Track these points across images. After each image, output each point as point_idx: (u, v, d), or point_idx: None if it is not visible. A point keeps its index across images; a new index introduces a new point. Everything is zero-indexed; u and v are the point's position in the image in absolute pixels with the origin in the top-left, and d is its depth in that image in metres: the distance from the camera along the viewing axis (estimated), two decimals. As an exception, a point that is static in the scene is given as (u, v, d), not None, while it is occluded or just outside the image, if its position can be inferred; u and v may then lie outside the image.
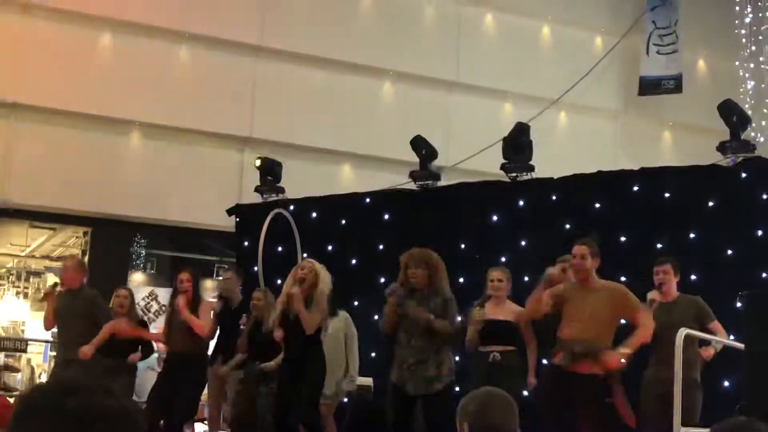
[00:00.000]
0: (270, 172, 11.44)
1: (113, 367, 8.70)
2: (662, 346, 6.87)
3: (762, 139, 13.86)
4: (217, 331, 9.06)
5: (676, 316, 7.06)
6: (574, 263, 6.63)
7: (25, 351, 15.18)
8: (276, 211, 10.08)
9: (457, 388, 7.21)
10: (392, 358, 7.28)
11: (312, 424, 7.49)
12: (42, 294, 9.76)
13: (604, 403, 6.57)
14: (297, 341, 7.53)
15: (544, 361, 7.44)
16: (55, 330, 9.54)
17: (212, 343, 9.17)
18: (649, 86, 15.27)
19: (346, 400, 8.40)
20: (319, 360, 7.60)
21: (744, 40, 15.47)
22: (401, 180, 10.82)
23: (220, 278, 9.41)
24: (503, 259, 9.03)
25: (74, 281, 8.98)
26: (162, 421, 8.41)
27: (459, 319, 7.32)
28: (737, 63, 15.46)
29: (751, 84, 15.25)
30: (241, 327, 8.46)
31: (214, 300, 9.46)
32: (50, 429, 1.45)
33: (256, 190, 11.38)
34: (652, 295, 7.17)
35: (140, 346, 8.83)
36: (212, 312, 8.88)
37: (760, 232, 8.01)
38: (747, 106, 13.50)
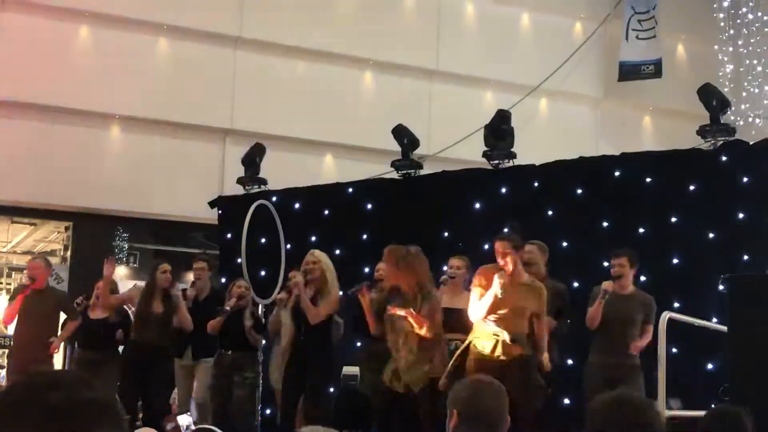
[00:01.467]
0: (252, 162, 11.39)
1: (96, 360, 8.73)
2: (610, 335, 7.22)
3: (742, 123, 13.95)
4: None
5: (628, 308, 7.28)
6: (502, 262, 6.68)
7: (8, 348, 15.11)
8: (258, 202, 10.06)
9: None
10: (370, 356, 7.36)
11: (315, 415, 7.51)
12: (13, 291, 9.73)
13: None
14: (303, 331, 7.63)
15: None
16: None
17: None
18: (629, 72, 15.31)
19: (332, 389, 8.40)
20: (325, 351, 7.67)
21: (722, 24, 15.53)
22: (383, 169, 10.80)
23: (194, 268, 9.37)
24: (486, 247, 9.04)
25: (43, 281, 9.04)
26: (141, 415, 8.42)
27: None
28: (716, 47, 15.52)
29: (730, 68, 15.32)
30: (227, 308, 8.43)
31: (186, 288, 9.42)
32: (33, 425, 1.44)
33: (238, 181, 11.34)
34: (606, 285, 7.22)
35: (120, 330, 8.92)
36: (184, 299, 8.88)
37: (741, 215, 8.05)
38: (726, 89, 13.56)
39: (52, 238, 15.63)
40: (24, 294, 8.94)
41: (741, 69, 15.29)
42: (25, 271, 10.46)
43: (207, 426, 5.63)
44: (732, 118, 12.00)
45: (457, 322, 7.41)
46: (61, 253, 14.35)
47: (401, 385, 6.91)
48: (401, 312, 6.83)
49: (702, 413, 4.47)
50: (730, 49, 15.42)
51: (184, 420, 9.10)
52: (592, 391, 7.07)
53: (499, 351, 6.57)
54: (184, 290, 9.18)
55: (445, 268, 7.98)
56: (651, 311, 7.29)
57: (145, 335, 8.57)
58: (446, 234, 9.41)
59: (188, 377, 8.99)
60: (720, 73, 15.03)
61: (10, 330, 10.80)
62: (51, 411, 1.45)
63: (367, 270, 9.62)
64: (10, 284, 17.16)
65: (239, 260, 9.89)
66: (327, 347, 7.76)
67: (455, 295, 7.58)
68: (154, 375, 8.48)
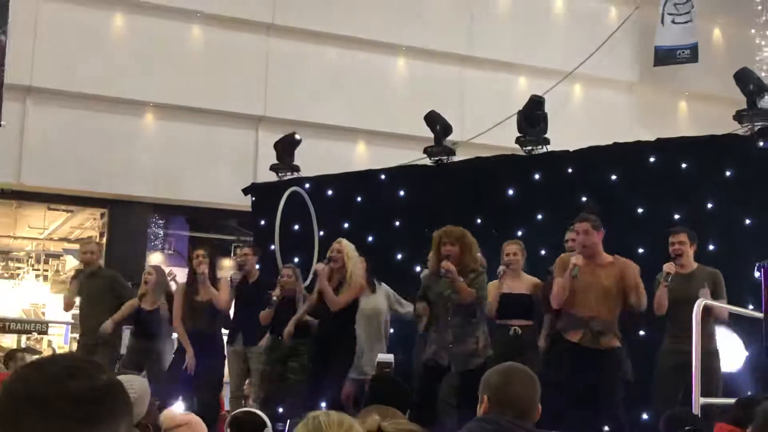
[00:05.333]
0: (286, 149, 11.40)
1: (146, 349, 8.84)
2: (679, 318, 6.85)
3: (779, 108, 13.75)
4: (232, 307, 9.05)
5: (693, 288, 6.93)
6: (579, 240, 6.66)
7: (46, 333, 15.32)
8: (292, 189, 10.09)
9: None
10: (425, 338, 7.38)
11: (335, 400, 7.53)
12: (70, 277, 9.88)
13: (624, 376, 6.64)
14: (325, 319, 7.68)
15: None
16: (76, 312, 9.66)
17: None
18: (665, 56, 15.14)
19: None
20: (346, 338, 7.70)
21: (759, 8, 15.32)
22: (416, 156, 10.79)
23: (238, 254, 9.39)
24: (519, 233, 9.01)
25: (95, 262, 9.23)
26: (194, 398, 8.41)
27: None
28: (753, 31, 15.32)
29: (767, 52, 15.12)
30: (274, 298, 8.43)
31: (233, 272, 9.46)
32: (59, 416, 1.44)
33: (272, 168, 11.38)
34: (667, 267, 6.95)
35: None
36: (230, 283, 8.89)
37: (778, 201, 7.96)
38: (763, 74, 13.37)
39: (87, 224, 15.79)
40: (75, 278, 9.15)
41: (778, 53, 15.10)
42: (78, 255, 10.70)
43: (250, 409, 5.66)
44: (769, 102, 11.83)
45: (518, 307, 7.52)
46: (97, 240, 14.49)
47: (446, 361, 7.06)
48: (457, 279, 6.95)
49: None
50: (767, 33, 15.23)
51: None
52: (663, 377, 7.01)
53: (588, 340, 6.56)
54: (231, 277, 9.20)
55: (478, 254, 7.96)
56: (718, 285, 7.06)
57: (195, 324, 8.55)
58: (479, 221, 9.38)
59: (240, 362, 8.99)
60: (757, 58, 14.84)
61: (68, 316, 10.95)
62: (75, 401, 1.45)
63: (399, 256, 9.63)
64: (47, 270, 17.38)
65: (273, 247, 9.92)
66: (349, 335, 7.77)
67: (515, 280, 7.65)
68: (200, 360, 8.48)
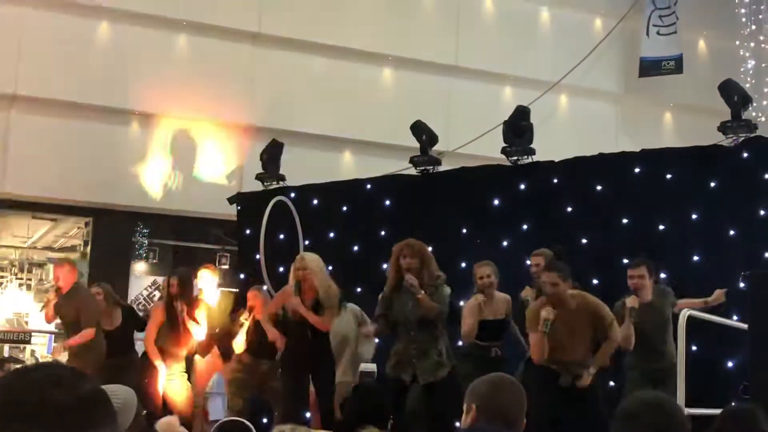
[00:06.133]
0: (271, 158, 11.39)
1: (117, 366, 8.75)
2: (648, 344, 7.12)
3: (763, 119, 13.81)
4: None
5: (656, 310, 7.20)
6: (547, 289, 6.77)
7: (28, 342, 15.20)
8: (277, 198, 10.07)
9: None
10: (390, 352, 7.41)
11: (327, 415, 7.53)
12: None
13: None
14: (302, 339, 7.60)
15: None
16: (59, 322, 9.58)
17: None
18: (650, 67, 15.20)
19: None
20: (330, 355, 7.72)
21: (744, 19, 15.40)
22: (402, 166, 10.79)
23: (223, 267, 9.36)
24: (505, 243, 9.02)
25: (68, 284, 9.03)
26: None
27: (448, 302, 7.37)
28: (737, 42, 15.39)
29: (751, 63, 15.20)
30: (243, 321, 8.35)
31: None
32: (41, 426, 1.41)
33: (257, 177, 11.35)
34: (631, 302, 7.02)
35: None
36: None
37: (762, 212, 7.99)
38: (748, 85, 13.44)
39: (72, 233, 15.70)
40: (54, 300, 9.00)
41: (763, 65, 15.16)
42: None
43: (236, 418, 5.65)
44: (753, 114, 11.89)
45: (497, 331, 7.61)
46: (81, 249, 14.42)
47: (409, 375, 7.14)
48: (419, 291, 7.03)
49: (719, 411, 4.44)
50: (752, 44, 15.30)
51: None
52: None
53: (568, 382, 6.70)
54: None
55: (463, 264, 7.98)
56: (672, 296, 7.32)
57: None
58: (464, 230, 9.39)
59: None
60: (741, 69, 14.91)
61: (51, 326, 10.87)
62: (58, 410, 1.43)
63: (384, 266, 9.61)
64: (30, 279, 17.27)
65: (258, 256, 9.90)
66: (330, 352, 7.78)
67: (491, 305, 7.73)
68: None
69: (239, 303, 8.97)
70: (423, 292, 7.07)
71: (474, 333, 7.56)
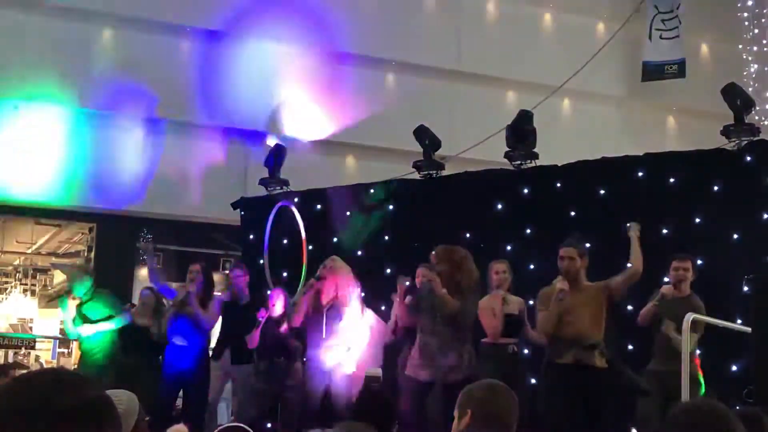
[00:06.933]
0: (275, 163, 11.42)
1: (136, 366, 8.79)
2: (665, 341, 7.12)
3: (766, 122, 13.82)
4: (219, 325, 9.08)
5: (691, 307, 7.09)
6: (564, 265, 6.89)
7: (33, 348, 15.23)
8: (280, 203, 10.08)
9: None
10: (411, 346, 7.40)
11: None
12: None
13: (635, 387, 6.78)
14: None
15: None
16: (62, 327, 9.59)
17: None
18: (653, 71, 15.19)
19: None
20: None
21: (747, 23, 15.40)
22: (405, 170, 10.79)
23: (227, 272, 9.41)
24: (508, 248, 9.02)
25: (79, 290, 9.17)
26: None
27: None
28: (740, 46, 15.39)
29: (754, 67, 15.19)
30: (260, 320, 8.40)
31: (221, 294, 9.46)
32: (40, 429, 1.42)
33: (261, 183, 11.36)
34: (664, 290, 7.22)
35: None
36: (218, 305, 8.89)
37: (765, 216, 7.98)
38: (751, 89, 13.45)
39: (76, 239, 15.72)
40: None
41: (766, 68, 15.15)
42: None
43: (237, 424, 5.65)
44: (756, 117, 11.89)
45: (515, 326, 7.64)
46: (85, 255, 14.43)
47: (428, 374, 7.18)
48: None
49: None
50: (755, 48, 15.29)
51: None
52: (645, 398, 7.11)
53: (578, 358, 6.73)
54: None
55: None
56: (702, 309, 7.26)
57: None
58: (468, 235, 9.38)
59: (221, 378, 9.01)
60: (744, 73, 14.90)
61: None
62: (61, 416, 1.44)
63: (388, 271, 9.62)
64: (34, 285, 17.28)
65: (261, 261, 9.90)
66: None
67: (509, 300, 7.79)
68: (188, 378, 8.51)
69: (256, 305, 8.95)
70: (444, 290, 7.13)
71: (500, 330, 7.66)
